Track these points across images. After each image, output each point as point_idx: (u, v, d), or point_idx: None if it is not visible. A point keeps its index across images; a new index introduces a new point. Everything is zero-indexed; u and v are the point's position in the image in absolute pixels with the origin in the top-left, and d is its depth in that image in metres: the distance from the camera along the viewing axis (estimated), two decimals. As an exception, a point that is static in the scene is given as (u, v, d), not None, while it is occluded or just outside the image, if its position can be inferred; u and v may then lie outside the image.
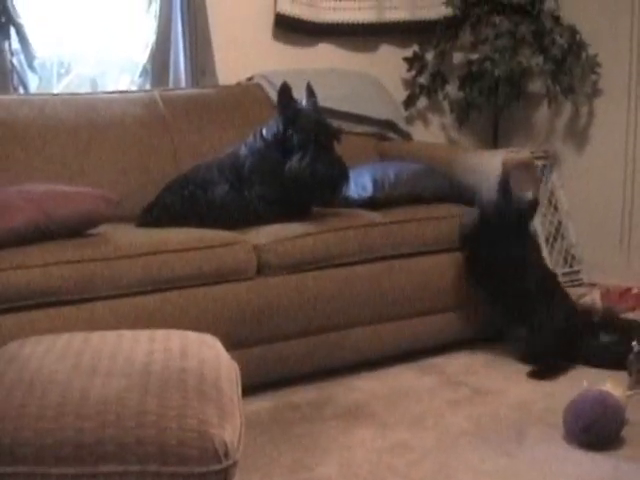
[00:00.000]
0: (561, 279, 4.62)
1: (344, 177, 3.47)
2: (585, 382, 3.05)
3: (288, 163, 3.39)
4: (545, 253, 4.68)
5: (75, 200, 3.12)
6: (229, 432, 1.85)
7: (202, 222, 3.37)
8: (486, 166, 3.81)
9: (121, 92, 4.07)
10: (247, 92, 4.25)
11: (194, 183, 3.46)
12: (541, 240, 4.69)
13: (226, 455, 1.80)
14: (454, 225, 3.71)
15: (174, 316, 3.06)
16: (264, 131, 3.52)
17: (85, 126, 3.68)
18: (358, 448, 2.89)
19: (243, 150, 3.54)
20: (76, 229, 3.10)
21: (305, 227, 3.42)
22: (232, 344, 2.46)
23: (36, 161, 3.59)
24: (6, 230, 2.93)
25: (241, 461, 1.92)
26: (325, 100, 3.67)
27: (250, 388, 2.99)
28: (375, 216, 3.58)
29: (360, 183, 3.70)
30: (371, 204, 3.65)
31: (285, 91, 3.50)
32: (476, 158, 3.93)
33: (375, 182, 3.67)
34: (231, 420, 1.91)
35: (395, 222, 3.58)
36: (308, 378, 3.43)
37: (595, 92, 4.68)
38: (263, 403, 3.23)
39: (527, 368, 3.55)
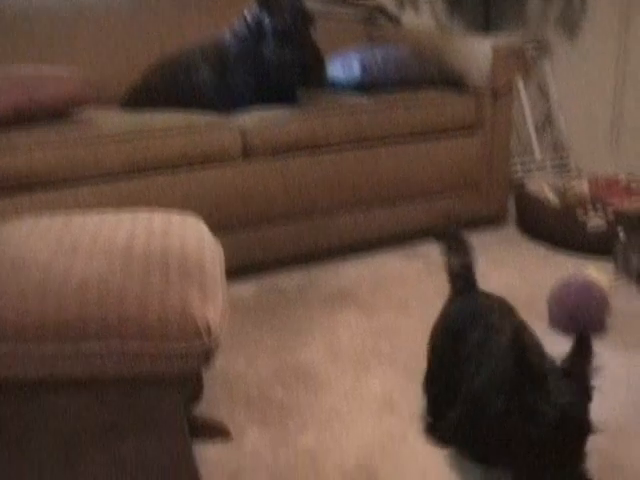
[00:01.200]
0: (550, 167, 4.62)
1: (318, 63, 3.41)
2: (570, 268, 3.06)
3: (263, 50, 3.34)
4: (534, 141, 4.66)
5: (57, 82, 3.06)
6: (212, 311, 1.85)
7: (185, 105, 3.33)
8: (476, 52, 3.75)
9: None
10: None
11: (177, 66, 3.41)
12: (530, 128, 4.66)
13: (208, 334, 1.79)
14: (442, 110, 3.67)
15: (158, 200, 3.04)
16: (248, 17, 3.45)
17: (70, 8, 3.61)
18: (343, 331, 2.90)
19: (227, 35, 3.48)
20: (59, 112, 3.05)
21: (292, 111, 3.37)
22: (217, 228, 2.44)
23: (19, 44, 3.53)
24: (-12, 113, 2.89)
25: (226, 343, 1.92)
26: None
27: (235, 272, 3.00)
28: (363, 100, 3.53)
29: (348, 67, 3.64)
30: (359, 88, 3.60)
31: None
32: (466, 44, 3.86)
33: (363, 66, 3.61)
34: (214, 299, 1.90)
35: (383, 107, 3.53)
36: (293, 263, 3.44)
37: (589, -20, 4.61)
38: (248, 287, 3.24)
39: (514, 254, 3.55)
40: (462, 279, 2.45)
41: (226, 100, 3.38)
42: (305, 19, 3.40)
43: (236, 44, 3.43)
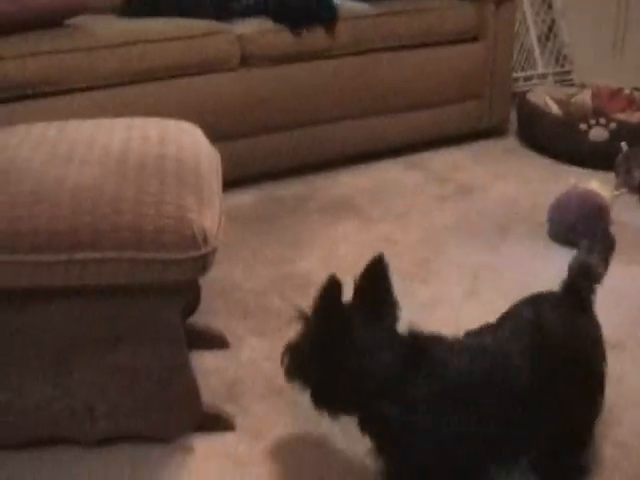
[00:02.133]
0: (552, 78, 4.56)
1: (329, 9, 3.35)
2: (572, 180, 3.03)
3: None
4: (537, 53, 4.59)
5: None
6: (208, 219, 1.82)
7: (184, 14, 3.26)
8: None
9: None
10: None
11: None
12: (533, 39, 4.59)
13: (205, 241, 1.76)
14: (443, 18, 3.60)
15: (155, 107, 2.97)
16: None
17: None
18: (341, 241, 2.89)
19: None
20: (53, 19, 3.00)
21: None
22: (215, 136, 2.39)
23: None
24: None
25: (223, 253, 1.90)
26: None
27: (233, 182, 2.96)
28: (364, 7, 3.46)
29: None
30: (358, -5, 3.53)
31: None
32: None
33: (363, -28, 3.54)
34: (210, 207, 1.87)
35: (384, 13, 3.47)
36: (292, 172, 3.40)
37: None
38: (246, 197, 3.21)
39: (515, 165, 3.53)
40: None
41: (230, 12, 3.31)
42: None
43: None
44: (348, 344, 1.71)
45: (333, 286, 1.75)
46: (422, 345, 1.75)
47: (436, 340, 1.79)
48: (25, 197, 1.79)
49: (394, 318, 1.81)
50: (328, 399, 1.78)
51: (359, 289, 1.81)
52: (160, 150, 1.99)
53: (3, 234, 1.73)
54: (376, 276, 1.83)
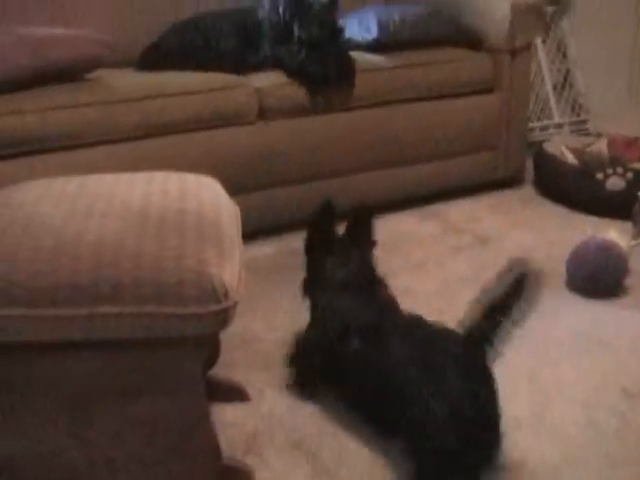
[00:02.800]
0: (568, 128, 4.58)
1: (347, 74, 3.38)
2: (589, 230, 3.03)
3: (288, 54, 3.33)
4: (552, 102, 4.62)
5: (72, 43, 3.04)
6: (228, 273, 1.82)
7: (202, 68, 3.29)
8: (494, 10, 3.71)
9: None
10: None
11: (201, 30, 3.37)
12: (548, 89, 4.61)
13: (225, 296, 1.77)
14: (459, 69, 3.63)
15: (174, 161, 3.01)
16: (280, 7, 3.40)
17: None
18: (360, 293, 2.89)
19: (261, 13, 3.43)
20: (73, 73, 3.03)
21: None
22: (233, 189, 2.41)
23: (31, 4, 3.49)
24: (1, 74, 2.86)
25: (243, 304, 1.90)
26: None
27: (251, 234, 2.97)
28: (380, 60, 3.50)
29: (364, 25, 3.60)
30: (376, 47, 3.56)
31: None
32: (484, 2, 3.81)
33: (380, 24, 3.57)
34: (231, 261, 1.88)
35: (400, 66, 3.51)
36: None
37: None
38: (264, 248, 3.22)
39: (532, 215, 3.53)
40: None
41: (247, 65, 3.35)
42: (335, 32, 3.36)
43: (270, 28, 3.40)
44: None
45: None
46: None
47: None
48: (45, 252, 1.80)
49: None
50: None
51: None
52: (180, 204, 2.01)
53: (24, 288, 1.74)
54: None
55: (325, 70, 3.31)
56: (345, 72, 3.36)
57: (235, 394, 2.32)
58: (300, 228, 3.34)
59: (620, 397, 2.31)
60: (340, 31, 3.39)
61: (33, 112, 2.85)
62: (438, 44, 3.67)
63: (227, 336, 2.26)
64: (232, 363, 2.43)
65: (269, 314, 2.75)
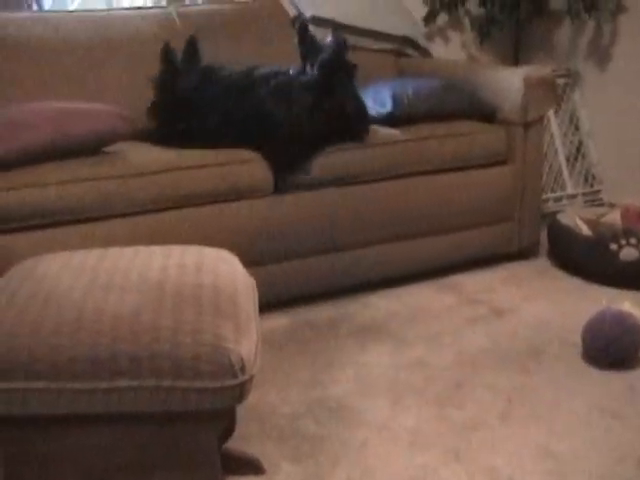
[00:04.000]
0: (582, 198, 4.60)
1: (359, 118, 3.43)
2: (604, 301, 3.04)
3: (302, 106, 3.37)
4: (565, 173, 4.65)
5: (91, 118, 3.09)
6: (245, 347, 1.84)
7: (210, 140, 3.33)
8: (507, 83, 3.75)
9: (137, 8, 4.02)
10: (264, 8, 4.18)
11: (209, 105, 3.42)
12: (561, 160, 4.65)
13: (242, 370, 1.79)
14: (473, 142, 3.67)
15: (190, 233, 3.05)
16: (291, 70, 3.45)
17: (100, 43, 3.62)
18: (374, 365, 2.89)
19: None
20: (92, 147, 3.08)
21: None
22: (249, 261, 2.44)
23: (51, 79, 3.55)
24: (22, 148, 2.91)
25: (258, 377, 1.91)
26: (343, 15, 3.61)
27: (267, 306, 2.99)
28: (394, 133, 3.54)
29: (379, 99, 3.64)
30: (390, 121, 3.60)
31: (302, 28, 3.44)
32: (497, 75, 3.86)
33: (394, 98, 3.61)
34: (247, 335, 1.90)
35: (414, 139, 3.54)
36: (325, 296, 3.43)
37: (619, 9, 4.58)
38: (280, 320, 3.23)
39: (547, 286, 3.54)
40: None
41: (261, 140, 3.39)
42: (347, 72, 3.41)
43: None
44: None
45: None
46: None
47: None
48: (66, 325, 1.83)
49: None
50: None
51: None
52: (197, 278, 2.04)
53: (45, 361, 1.77)
54: None
55: (339, 112, 3.36)
56: (360, 115, 3.43)
57: (250, 467, 2.31)
58: (315, 300, 3.38)
59: (637, 470, 2.30)
60: (353, 70, 3.44)
61: (53, 185, 2.89)
62: (452, 117, 3.70)
63: (242, 408, 2.27)
64: (247, 436, 2.43)
65: (284, 387, 2.75)
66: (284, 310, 3.31)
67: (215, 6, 4.12)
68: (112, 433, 1.85)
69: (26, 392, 1.76)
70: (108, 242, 2.89)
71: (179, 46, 3.71)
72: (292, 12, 4.16)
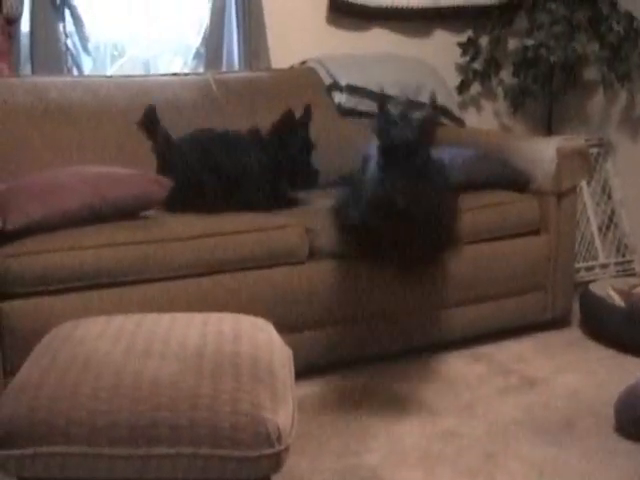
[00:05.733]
0: (614, 268, 4.60)
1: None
2: (638, 372, 3.03)
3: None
4: (598, 243, 4.65)
5: (129, 182, 3.14)
6: (282, 416, 1.86)
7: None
8: (540, 153, 3.77)
9: (174, 75, 4.08)
10: (300, 76, 4.26)
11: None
12: (594, 229, 4.65)
13: (279, 439, 1.80)
14: (507, 212, 3.69)
15: (226, 299, 3.07)
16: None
17: (138, 109, 3.65)
18: (406, 435, 2.88)
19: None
20: (130, 211, 3.12)
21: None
22: (283, 328, 2.46)
23: (89, 143, 3.62)
24: (61, 211, 2.96)
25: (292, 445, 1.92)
26: (379, 85, 3.63)
27: (300, 371, 3.00)
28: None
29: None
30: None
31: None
32: (530, 145, 3.89)
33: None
34: (284, 404, 1.91)
35: (448, 211, 3.56)
36: (358, 363, 3.43)
37: (652, 80, 4.62)
38: (312, 388, 3.23)
39: (579, 357, 3.53)
40: None
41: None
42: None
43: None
44: None
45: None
46: None
47: None
48: (105, 390, 1.85)
49: None
50: None
51: None
52: (235, 346, 2.06)
53: (83, 426, 1.79)
54: None
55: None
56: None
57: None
58: (348, 367, 3.38)
59: None
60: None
61: (90, 248, 2.93)
62: (486, 187, 3.73)
63: (275, 477, 2.27)
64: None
65: (316, 455, 2.75)
66: (318, 376, 3.31)
67: (251, 73, 4.18)
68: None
69: (64, 457, 1.78)
70: (144, 306, 2.93)
71: (217, 111, 3.78)
72: (328, 80, 4.22)
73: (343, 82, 4.19)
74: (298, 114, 3.57)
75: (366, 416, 3.02)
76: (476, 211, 3.59)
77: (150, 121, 3.47)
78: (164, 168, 3.43)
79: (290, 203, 3.57)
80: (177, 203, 3.33)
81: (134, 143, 3.63)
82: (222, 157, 3.43)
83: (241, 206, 3.39)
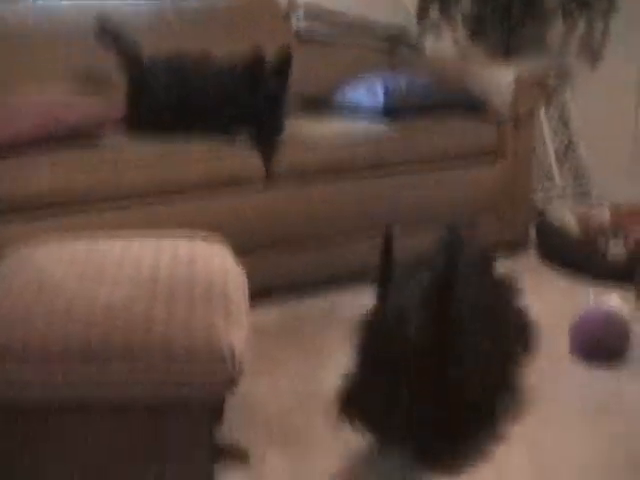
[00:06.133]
0: (571, 197, 4.62)
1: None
2: (592, 297, 3.05)
3: None
4: (555, 170, 4.67)
5: (84, 108, 3.11)
6: (236, 337, 1.86)
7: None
8: (498, 79, 3.77)
9: (132, 1, 4.00)
10: (257, 3, 4.19)
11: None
12: (551, 157, 4.66)
13: (233, 360, 1.81)
14: (464, 138, 3.69)
15: (182, 222, 3.04)
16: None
17: (93, 34, 3.60)
18: (364, 358, 2.90)
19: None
20: (84, 137, 3.08)
21: (315, 138, 3.41)
22: (239, 251, 2.45)
23: (45, 69, 3.54)
24: (15, 135, 2.92)
25: (248, 367, 1.92)
26: (336, 4, 3.60)
27: (257, 296, 3.00)
28: (385, 127, 3.55)
29: (372, 92, 3.65)
30: (382, 112, 3.61)
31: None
32: (488, 71, 3.87)
33: (387, 91, 3.62)
34: (238, 326, 1.92)
35: (405, 133, 3.55)
36: (315, 287, 3.43)
37: (611, 8, 4.60)
38: (270, 312, 3.24)
39: (535, 282, 3.56)
40: None
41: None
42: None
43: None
44: None
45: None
46: None
47: None
48: (58, 314, 1.84)
49: None
50: None
51: None
52: (189, 270, 2.05)
53: (36, 349, 1.79)
54: None
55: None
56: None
57: (238, 456, 2.33)
58: (304, 291, 3.39)
59: (624, 465, 2.32)
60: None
61: (42, 173, 2.91)
62: (444, 112, 3.72)
63: (231, 398, 2.28)
64: (235, 425, 2.43)
65: (273, 378, 2.76)
66: (275, 301, 3.31)
67: (209, 2, 4.11)
68: (105, 425, 1.86)
69: (20, 379, 1.77)
70: (99, 230, 2.89)
71: (172, 37, 3.73)
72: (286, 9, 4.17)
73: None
74: (259, 44, 3.50)
75: (323, 339, 3.03)
76: (432, 136, 3.59)
77: (107, 31, 3.42)
78: (132, 87, 3.39)
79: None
80: (142, 124, 3.29)
81: (91, 67, 3.57)
82: (194, 82, 3.37)
83: (205, 133, 3.35)
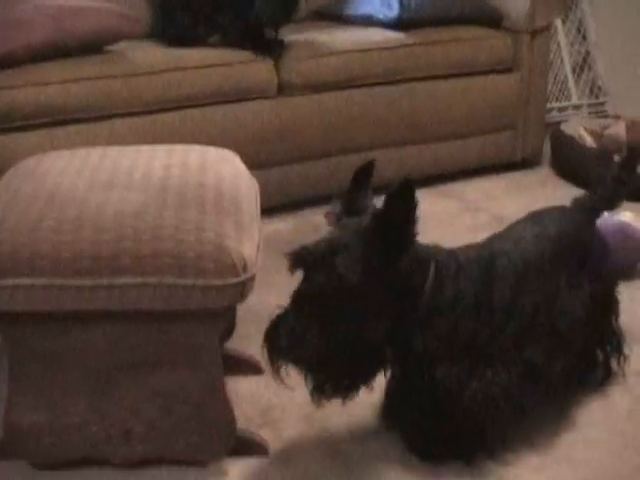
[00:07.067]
0: (587, 109, 4.57)
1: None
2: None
3: None
4: (571, 83, 4.61)
5: (94, 16, 3.05)
6: (247, 246, 1.85)
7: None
8: (515, -11, 3.71)
9: None
10: None
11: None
12: (567, 70, 4.60)
13: (244, 269, 1.80)
14: (478, 48, 3.64)
15: (193, 134, 3.04)
16: None
17: None
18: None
19: None
20: (95, 45, 3.06)
21: (328, 46, 3.36)
22: (252, 164, 2.43)
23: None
24: (23, 46, 2.88)
25: (258, 279, 1.92)
26: None
27: (270, 209, 2.99)
28: (400, 37, 3.50)
29: (386, 3, 3.60)
30: (397, 24, 3.56)
31: None
32: (505, -19, 3.82)
33: (401, 1, 3.57)
34: (249, 235, 1.90)
35: (420, 44, 3.51)
36: (328, 199, 3.41)
37: None
38: (283, 224, 3.24)
39: (548, 195, 3.54)
40: None
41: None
42: None
43: None
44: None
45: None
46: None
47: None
48: (68, 222, 1.83)
49: None
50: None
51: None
52: (200, 178, 2.03)
53: (47, 258, 1.77)
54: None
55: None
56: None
57: (249, 367, 2.35)
58: (318, 204, 3.38)
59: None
60: None
61: (55, 84, 2.89)
62: (459, 23, 3.67)
63: (242, 309, 2.28)
64: (247, 336, 2.44)
65: (284, 289, 2.74)
66: (288, 213, 3.31)
67: None
68: (114, 331, 1.86)
69: (29, 289, 1.77)
70: (110, 142, 2.90)
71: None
72: None
73: None
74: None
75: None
76: (448, 46, 3.55)
77: None
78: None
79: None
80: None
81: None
82: None
83: (217, 41, 3.32)
